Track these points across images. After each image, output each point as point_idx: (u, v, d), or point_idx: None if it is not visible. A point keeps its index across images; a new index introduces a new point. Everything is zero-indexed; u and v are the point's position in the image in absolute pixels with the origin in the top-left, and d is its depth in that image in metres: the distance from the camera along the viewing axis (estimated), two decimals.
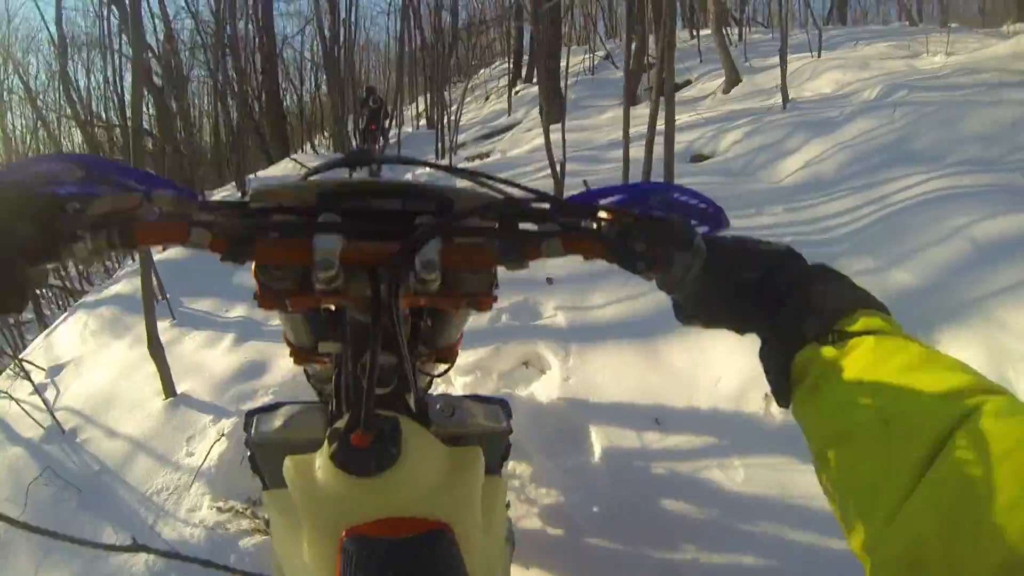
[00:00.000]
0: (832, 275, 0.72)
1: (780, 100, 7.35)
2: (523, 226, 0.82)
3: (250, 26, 15.72)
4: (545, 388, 2.91)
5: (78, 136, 13.35)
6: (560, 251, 0.79)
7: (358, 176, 0.92)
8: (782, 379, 0.67)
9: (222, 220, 0.76)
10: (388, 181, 0.84)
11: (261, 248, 0.74)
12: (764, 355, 0.71)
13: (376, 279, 0.74)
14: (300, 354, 1.21)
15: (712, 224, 0.85)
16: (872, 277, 3.34)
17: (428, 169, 1.21)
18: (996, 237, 3.35)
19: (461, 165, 8.30)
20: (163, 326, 3.97)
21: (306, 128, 19.02)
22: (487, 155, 9.69)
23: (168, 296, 4.39)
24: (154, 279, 3.88)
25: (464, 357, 3.04)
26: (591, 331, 3.22)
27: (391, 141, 12.17)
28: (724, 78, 9.61)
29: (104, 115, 15.40)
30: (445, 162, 9.32)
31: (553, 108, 10.08)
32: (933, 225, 3.66)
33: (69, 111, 10.36)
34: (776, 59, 10.13)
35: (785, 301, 0.70)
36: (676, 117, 7.87)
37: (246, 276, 3.83)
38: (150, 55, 11.11)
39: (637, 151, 5.13)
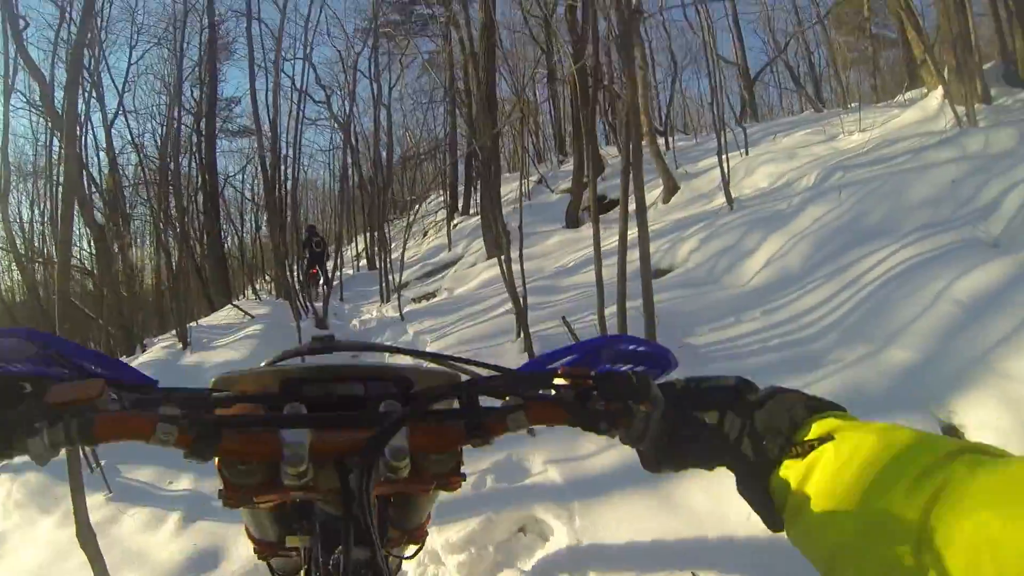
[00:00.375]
0: (781, 392, 0.72)
1: (724, 201, 7.39)
2: (484, 402, 0.82)
3: (193, 163, 15.48)
4: (553, 557, 2.50)
5: (17, 273, 12.58)
6: (525, 423, 0.77)
7: (317, 359, 0.91)
8: (767, 506, 0.66)
9: (186, 413, 0.71)
10: (349, 365, 0.86)
11: (228, 443, 0.71)
12: (741, 487, 0.70)
13: (345, 470, 0.73)
14: (264, 548, 1.14)
15: (661, 366, 0.90)
16: (870, 362, 3.29)
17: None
18: (977, 292, 3.38)
19: (407, 308, 8.04)
20: (97, 501, 3.60)
21: (247, 270, 18.58)
22: (433, 294, 9.47)
23: (102, 463, 3.95)
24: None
25: (453, 532, 2.67)
26: (592, 484, 2.86)
27: (334, 283, 11.89)
28: (662, 187, 9.67)
29: (48, 250, 14.62)
30: (393, 306, 8.96)
31: (501, 238, 10.00)
32: (914, 296, 3.64)
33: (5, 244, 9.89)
34: (707, 162, 10.41)
35: (744, 429, 0.69)
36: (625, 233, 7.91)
37: None
38: (93, 190, 10.82)
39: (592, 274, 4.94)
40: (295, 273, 11.31)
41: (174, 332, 7.91)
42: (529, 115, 18.38)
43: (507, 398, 0.81)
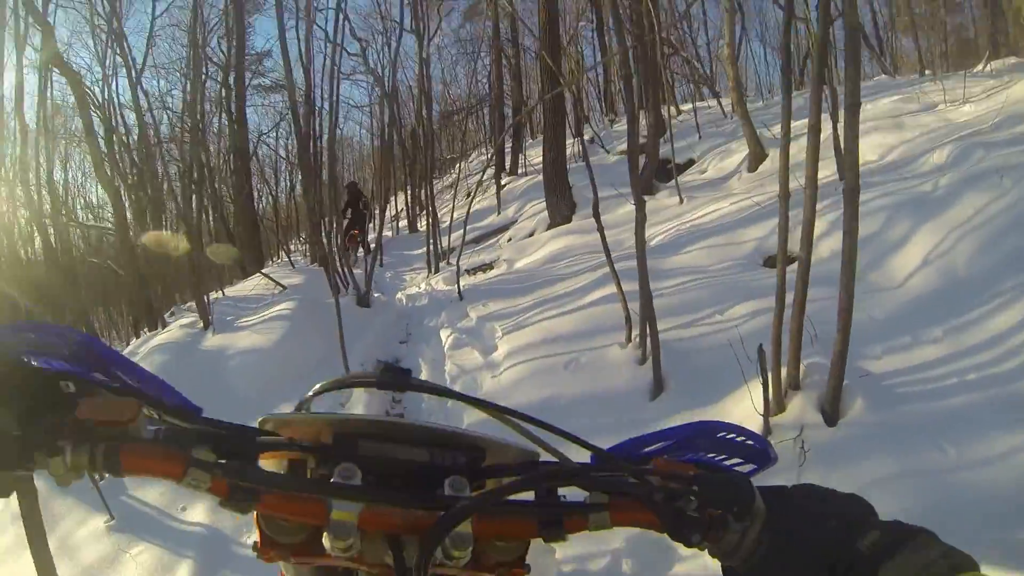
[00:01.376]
0: (913, 536, 0.58)
1: (836, 176, 6.12)
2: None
3: (223, 120, 14.86)
4: None
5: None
6: (607, 523, 0.70)
7: (382, 418, 0.78)
8: None
9: (222, 460, 0.65)
10: (417, 426, 0.77)
11: (269, 500, 0.65)
12: None
13: (398, 548, 0.67)
14: None
15: (759, 461, 0.82)
16: None
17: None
18: None
19: (463, 282, 6.99)
20: (95, 529, 3.27)
21: (282, 232, 17.96)
22: (490, 265, 8.36)
23: (105, 475, 3.19)
24: None
25: None
26: None
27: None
28: (748, 153, 8.43)
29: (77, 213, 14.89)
30: (444, 277, 7.98)
31: (562, 204, 8.89)
32: None
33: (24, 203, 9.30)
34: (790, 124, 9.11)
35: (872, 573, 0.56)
36: (713, 207, 6.75)
37: None
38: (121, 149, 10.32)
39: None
40: (332, 237, 10.40)
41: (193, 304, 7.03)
42: (581, 71, 17.13)
43: (593, 492, 0.71)
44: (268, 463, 0.73)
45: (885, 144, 6.68)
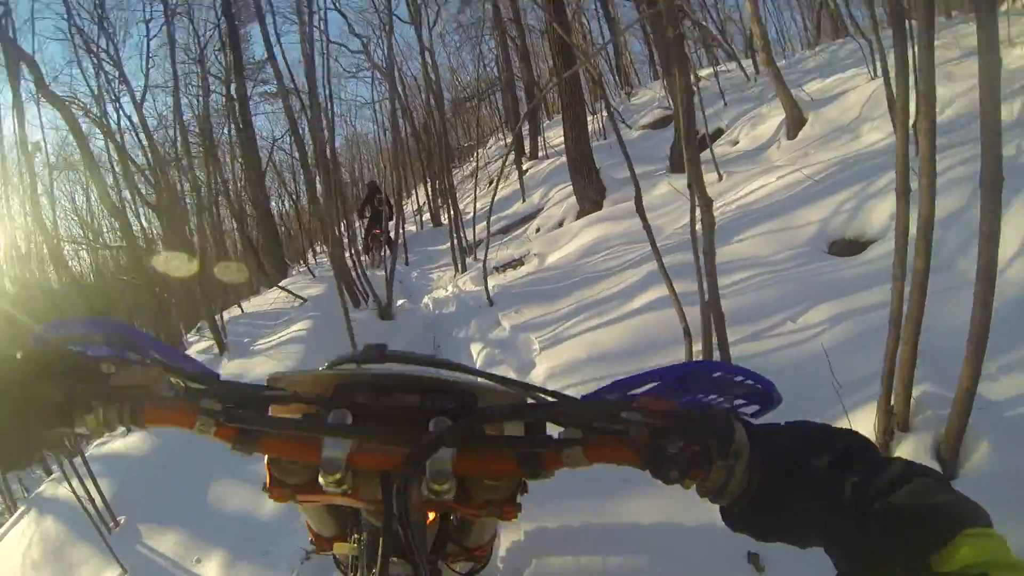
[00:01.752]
0: (920, 476, 0.55)
1: (891, 138, 5.54)
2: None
3: (232, 131, 14.75)
4: None
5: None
6: (583, 460, 0.71)
7: (376, 367, 0.84)
8: None
9: (231, 408, 0.75)
10: (407, 375, 0.84)
11: (268, 442, 0.76)
12: None
13: (388, 484, 0.73)
14: (322, 543, 1.17)
15: (762, 403, 0.79)
16: None
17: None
18: None
19: (492, 281, 6.48)
20: None
21: (306, 234, 17.83)
22: (520, 261, 7.75)
23: (121, 520, 3.43)
24: (96, 496, 3.31)
25: None
26: None
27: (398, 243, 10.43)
28: (784, 118, 7.81)
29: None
30: (472, 277, 7.51)
31: (590, 188, 8.32)
32: None
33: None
34: (820, 85, 8.52)
35: (867, 514, 0.54)
36: (759, 183, 6.06)
37: (224, 494, 3.52)
38: (133, 169, 10.11)
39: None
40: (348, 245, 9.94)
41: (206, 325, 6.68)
42: (592, 45, 16.61)
43: (567, 430, 0.74)
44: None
45: (939, 97, 5.91)
